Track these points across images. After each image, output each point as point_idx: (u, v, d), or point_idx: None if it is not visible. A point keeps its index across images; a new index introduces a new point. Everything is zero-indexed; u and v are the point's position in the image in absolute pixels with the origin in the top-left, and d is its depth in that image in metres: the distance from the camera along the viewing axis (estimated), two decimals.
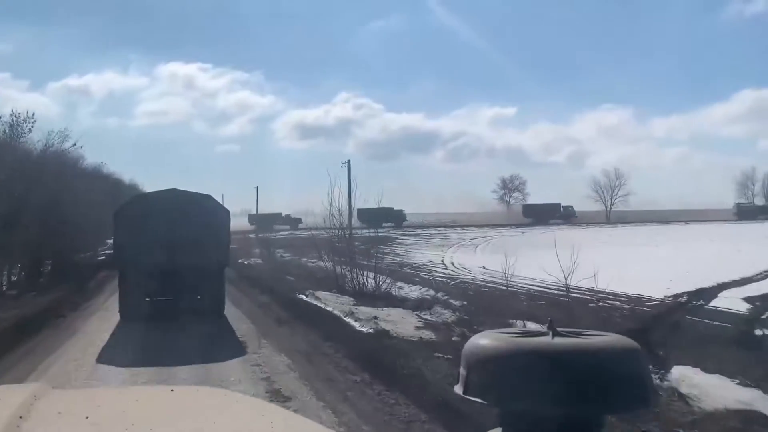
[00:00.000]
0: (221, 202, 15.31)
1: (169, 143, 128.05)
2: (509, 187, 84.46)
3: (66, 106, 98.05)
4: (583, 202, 76.43)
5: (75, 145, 22.94)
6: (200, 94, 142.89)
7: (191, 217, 12.03)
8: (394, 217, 61.86)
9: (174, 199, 12.48)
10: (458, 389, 1.66)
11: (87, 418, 1.24)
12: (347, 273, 16.43)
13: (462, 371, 1.66)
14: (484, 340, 1.59)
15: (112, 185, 41.91)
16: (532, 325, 8.56)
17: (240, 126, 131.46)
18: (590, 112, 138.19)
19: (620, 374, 1.47)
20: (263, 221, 69.07)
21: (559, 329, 1.58)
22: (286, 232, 57.76)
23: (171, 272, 11.49)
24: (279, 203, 77.27)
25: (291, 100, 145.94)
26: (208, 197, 13.20)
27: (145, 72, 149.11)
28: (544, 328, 1.60)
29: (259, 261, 29.77)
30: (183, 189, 12.95)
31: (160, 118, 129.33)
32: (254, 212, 73.54)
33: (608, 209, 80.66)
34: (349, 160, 33.43)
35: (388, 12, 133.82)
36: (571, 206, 71.22)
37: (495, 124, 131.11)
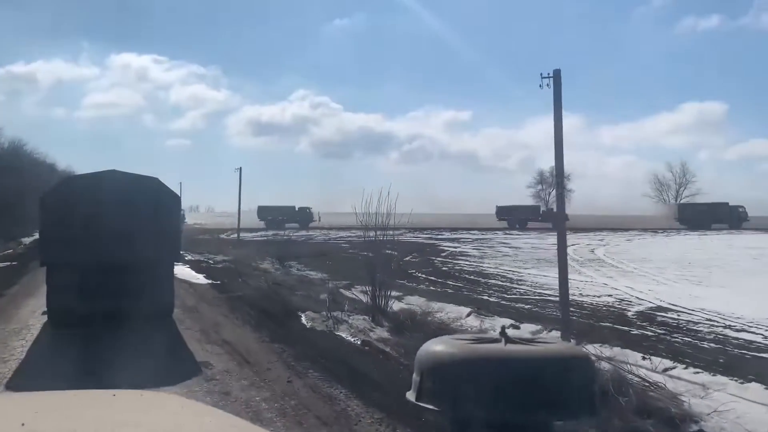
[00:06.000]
0: (179, 193, 13.72)
1: (119, 135, 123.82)
2: (549, 181, 65.81)
3: (9, 93, 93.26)
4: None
5: None
6: (153, 87, 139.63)
7: (134, 202, 10.62)
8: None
9: (113, 182, 10.87)
10: (410, 396, 1.68)
11: (23, 425, 1.18)
12: None
13: (415, 377, 1.68)
14: (438, 346, 1.61)
15: (30, 167, 36.11)
16: None
17: (192, 120, 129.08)
18: (540, 119, 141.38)
19: (569, 382, 1.51)
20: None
21: (511, 336, 1.61)
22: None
23: (110, 268, 10.05)
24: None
25: (247, 96, 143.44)
26: (154, 180, 11.35)
27: (96, 62, 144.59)
28: (496, 335, 1.63)
29: None
30: (124, 171, 11.28)
31: (109, 110, 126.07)
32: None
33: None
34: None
35: (351, 11, 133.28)
36: None
37: (450, 128, 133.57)
